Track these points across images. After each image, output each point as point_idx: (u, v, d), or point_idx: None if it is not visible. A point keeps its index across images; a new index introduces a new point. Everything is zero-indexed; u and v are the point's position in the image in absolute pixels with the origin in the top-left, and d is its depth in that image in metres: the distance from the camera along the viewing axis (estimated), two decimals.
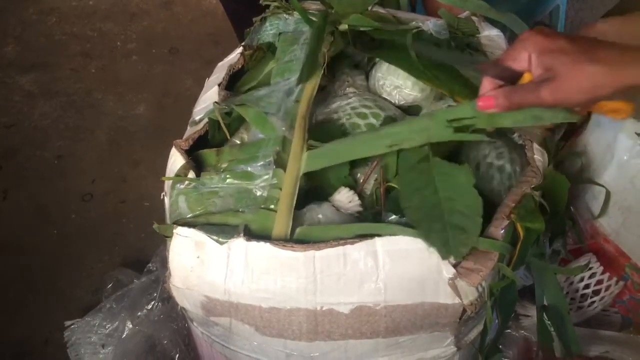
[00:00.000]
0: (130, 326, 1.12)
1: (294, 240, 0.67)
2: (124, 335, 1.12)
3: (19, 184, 1.59)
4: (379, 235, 0.64)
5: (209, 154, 0.76)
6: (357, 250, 0.64)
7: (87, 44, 2.04)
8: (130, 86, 1.88)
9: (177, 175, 0.73)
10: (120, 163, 1.65)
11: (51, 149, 1.69)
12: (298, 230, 0.67)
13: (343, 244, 0.64)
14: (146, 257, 1.31)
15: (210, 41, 2.04)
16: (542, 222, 0.64)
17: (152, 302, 1.13)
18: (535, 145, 0.71)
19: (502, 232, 0.64)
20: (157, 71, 1.95)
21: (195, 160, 0.76)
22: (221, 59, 0.94)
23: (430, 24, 0.81)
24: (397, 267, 0.64)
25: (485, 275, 0.63)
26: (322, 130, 0.80)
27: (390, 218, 0.69)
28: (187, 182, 0.72)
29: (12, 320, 1.30)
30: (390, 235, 0.64)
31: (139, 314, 1.12)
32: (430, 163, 0.70)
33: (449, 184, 0.67)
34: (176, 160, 0.77)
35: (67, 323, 1.19)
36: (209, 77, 0.91)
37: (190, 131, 0.77)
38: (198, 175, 0.73)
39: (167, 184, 0.74)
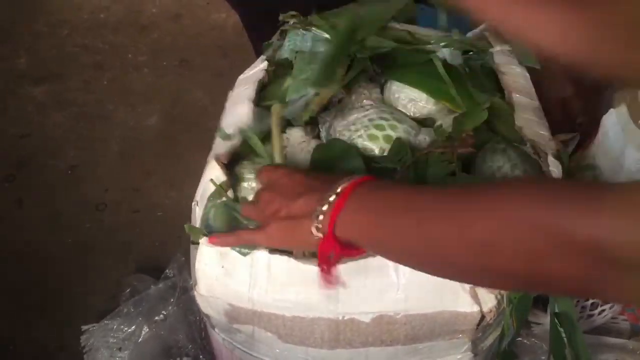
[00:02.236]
0: (147, 330, 1.14)
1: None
2: (141, 339, 1.14)
3: (33, 194, 1.61)
4: None
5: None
6: (377, 262, 0.66)
7: (98, 55, 2.07)
8: (141, 97, 1.91)
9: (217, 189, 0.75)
10: (132, 173, 1.67)
11: (64, 159, 1.71)
12: None
13: (365, 257, 0.65)
14: (160, 265, 1.34)
15: (219, 53, 2.07)
16: None
17: (169, 307, 1.15)
18: (551, 158, 0.73)
19: None
20: (168, 82, 1.98)
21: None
22: (230, 71, 0.96)
23: (445, 52, 0.84)
24: (417, 277, 0.66)
25: None
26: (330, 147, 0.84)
27: None
28: (223, 198, 0.74)
29: (27, 327, 1.32)
30: None
31: (156, 318, 1.14)
32: (456, 177, 0.72)
33: None
34: (216, 173, 0.78)
35: (85, 327, 1.21)
36: (228, 89, 0.92)
37: (226, 145, 0.78)
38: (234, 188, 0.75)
39: (199, 194, 0.76)
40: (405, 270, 0.66)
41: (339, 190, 0.57)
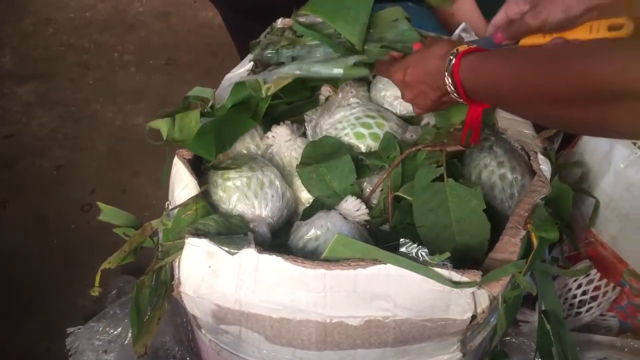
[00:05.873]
0: None
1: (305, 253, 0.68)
2: (127, 342, 1.13)
3: (18, 194, 1.59)
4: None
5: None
6: (368, 274, 0.65)
7: (84, 54, 2.05)
8: (128, 97, 1.89)
9: (186, 203, 0.74)
10: (119, 173, 1.66)
11: (50, 159, 1.69)
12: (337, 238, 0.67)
13: (355, 267, 0.64)
14: (147, 266, 1.31)
15: (208, 52, 2.05)
16: (557, 231, 0.66)
17: None
18: (540, 156, 0.73)
19: (519, 242, 0.66)
20: (155, 82, 1.96)
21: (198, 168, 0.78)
22: (219, 69, 0.95)
23: None
24: (408, 287, 0.65)
25: (505, 284, 0.65)
26: (320, 144, 0.83)
27: (405, 246, 0.69)
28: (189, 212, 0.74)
29: (14, 329, 1.30)
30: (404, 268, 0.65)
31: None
32: (445, 183, 0.72)
33: (461, 206, 0.70)
34: (179, 169, 0.78)
35: (70, 329, 1.19)
36: (217, 87, 0.91)
37: None
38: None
39: (171, 193, 0.76)
40: (397, 282, 0.65)
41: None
